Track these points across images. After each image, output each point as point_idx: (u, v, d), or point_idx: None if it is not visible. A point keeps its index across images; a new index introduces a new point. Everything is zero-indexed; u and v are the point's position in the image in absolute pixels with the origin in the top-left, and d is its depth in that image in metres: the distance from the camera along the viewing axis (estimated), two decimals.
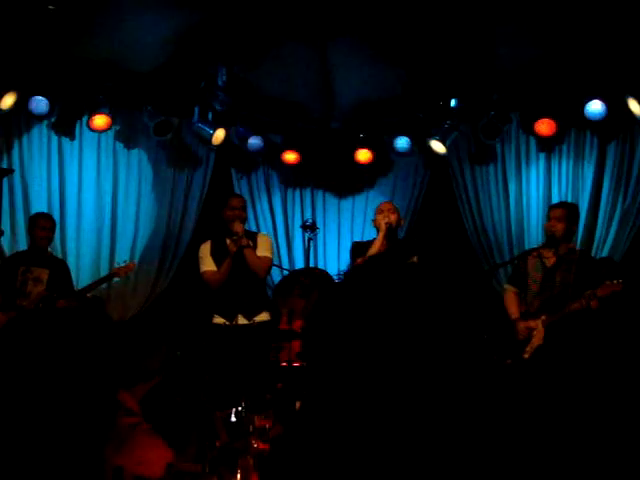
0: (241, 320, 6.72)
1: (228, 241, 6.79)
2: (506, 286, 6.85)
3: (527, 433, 1.92)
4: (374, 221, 6.92)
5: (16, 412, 2.06)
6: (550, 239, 6.44)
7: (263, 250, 6.89)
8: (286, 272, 8.74)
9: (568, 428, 2.06)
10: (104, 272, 8.39)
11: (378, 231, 6.78)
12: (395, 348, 1.70)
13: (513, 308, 6.52)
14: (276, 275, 8.73)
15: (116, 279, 7.96)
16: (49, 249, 7.54)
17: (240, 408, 3.97)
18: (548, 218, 6.54)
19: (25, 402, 2.08)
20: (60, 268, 7.42)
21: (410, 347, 1.73)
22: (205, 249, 6.90)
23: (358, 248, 6.92)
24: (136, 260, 8.61)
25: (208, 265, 6.82)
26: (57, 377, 2.15)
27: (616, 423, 2.09)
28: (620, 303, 5.89)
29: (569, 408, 2.10)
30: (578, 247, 8.23)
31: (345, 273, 2.00)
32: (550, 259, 6.47)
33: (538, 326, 6.17)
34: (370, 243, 6.81)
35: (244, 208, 7.00)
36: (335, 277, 8.46)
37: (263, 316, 6.82)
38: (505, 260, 8.28)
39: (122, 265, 7.71)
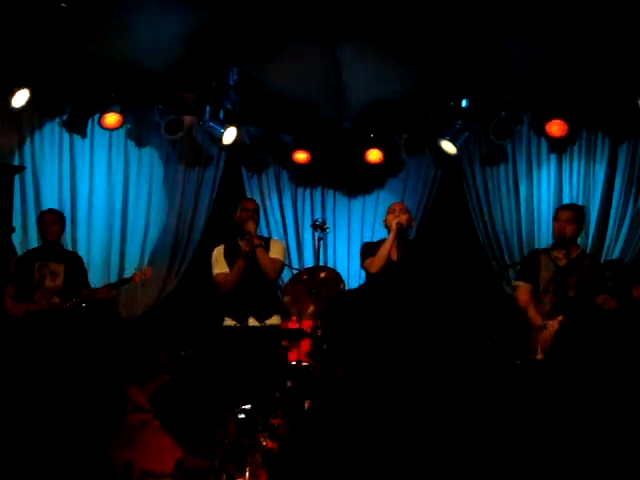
0: (252, 322, 6.72)
1: (240, 242, 6.80)
2: (518, 283, 6.64)
3: (540, 433, 1.92)
4: (385, 221, 6.90)
5: (25, 409, 2.07)
6: (561, 241, 6.41)
7: (275, 253, 6.90)
8: (296, 271, 8.74)
9: (582, 429, 2.06)
10: (114, 269, 8.42)
11: (389, 231, 6.76)
12: (408, 352, 1.70)
13: (535, 313, 6.36)
14: (286, 275, 8.73)
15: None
16: (61, 245, 7.58)
17: (249, 406, 3.98)
18: (557, 220, 6.51)
19: (34, 398, 2.09)
20: (75, 261, 7.48)
21: (422, 352, 1.73)
22: (218, 252, 6.92)
23: (368, 248, 6.90)
24: (146, 259, 8.64)
25: (221, 267, 6.83)
26: (66, 374, 2.16)
27: (628, 425, 2.08)
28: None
29: (583, 408, 2.10)
30: (589, 249, 8.23)
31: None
32: (562, 260, 6.44)
33: (555, 326, 6.11)
34: (380, 243, 6.80)
35: (257, 211, 7.01)
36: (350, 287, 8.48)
37: (274, 319, 6.82)
38: (515, 261, 8.26)
39: (142, 270, 7.71)
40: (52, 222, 7.39)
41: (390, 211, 6.89)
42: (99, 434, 2.19)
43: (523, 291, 6.54)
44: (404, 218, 6.77)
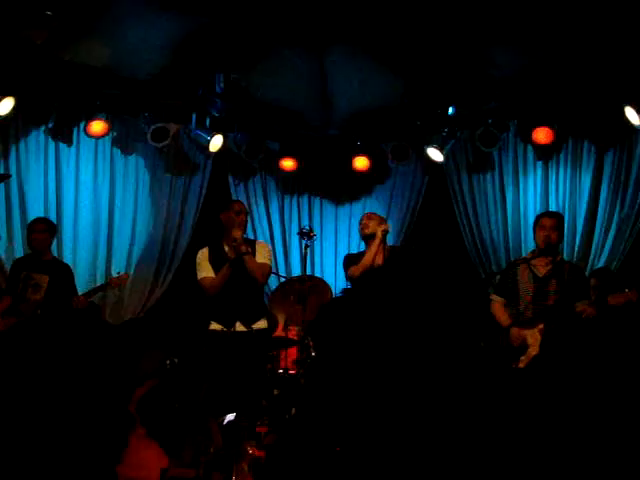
0: (239, 327, 6.70)
1: (227, 247, 6.77)
2: (493, 297, 6.74)
3: (525, 440, 1.91)
4: (365, 229, 6.92)
5: (18, 418, 2.05)
6: (547, 248, 6.42)
7: (262, 257, 6.88)
8: (283, 279, 8.73)
9: (567, 436, 2.05)
10: (101, 278, 8.37)
11: (366, 241, 6.83)
12: (394, 358, 1.69)
13: (504, 316, 6.50)
14: (273, 282, 8.71)
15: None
16: (52, 254, 7.52)
17: (235, 414, 3.95)
18: (541, 227, 6.51)
19: (26, 408, 2.07)
20: (62, 273, 7.38)
21: (409, 358, 1.72)
22: (203, 255, 6.88)
23: (351, 259, 6.94)
24: (132, 267, 8.62)
25: (206, 272, 6.79)
26: (55, 383, 2.13)
27: (615, 432, 2.08)
28: (628, 313, 5.90)
29: (568, 417, 2.09)
30: (575, 256, 8.26)
31: (346, 289, 1.99)
32: (541, 268, 6.46)
33: (535, 335, 6.15)
34: (362, 255, 6.84)
35: (244, 212, 6.99)
36: (337, 293, 8.44)
37: (261, 324, 6.80)
38: (502, 268, 8.28)
39: (115, 276, 7.70)
40: (40, 231, 7.32)
41: (368, 218, 6.97)
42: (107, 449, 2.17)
43: (495, 304, 6.62)
44: (385, 226, 6.85)
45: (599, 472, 2.01)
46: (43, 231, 7.32)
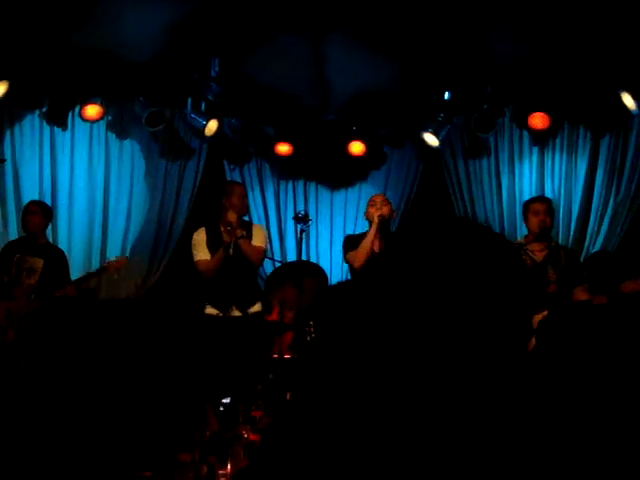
0: (235, 312, 6.70)
1: (223, 230, 6.76)
2: None
3: (525, 428, 1.91)
4: (366, 214, 6.88)
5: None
6: (542, 233, 6.41)
7: (258, 241, 6.87)
8: (278, 264, 8.72)
9: (565, 426, 2.05)
10: (95, 263, 8.36)
11: (370, 224, 6.74)
12: (393, 346, 1.69)
13: None
14: (268, 267, 8.71)
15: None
16: (47, 238, 7.50)
17: (231, 398, 3.96)
18: (535, 213, 6.49)
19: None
20: (56, 257, 7.35)
21: (408, 346, 1.72)
22: (199, 237, 6.87)
23: (350, 242, 6.89)
24: (127, 251, 8.61)
25: (202, 254, 6.78)
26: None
27: (613, 423, 2.08)
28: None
29: (565, 406, 2.10)
30: (570, 242, 8.26)
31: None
32: (538, 253, 6.44)
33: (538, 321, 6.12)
34: (362, 236, 6.78)
35: (244, 196, 7.00)
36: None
37: (257, 307, 6.81)
38: None
39: (113, 260, 7.61)
40: (32, 213, 7.29)
41: (371, 203, 6.87)
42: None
43: None
44: (385, 210, 6.74)
45: (597, 466, 2.01)
46: (37, 213, 7.29)
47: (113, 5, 6.97)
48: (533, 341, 5.94)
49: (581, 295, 6.20)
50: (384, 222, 6.69)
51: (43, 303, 6.96)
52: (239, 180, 9.16)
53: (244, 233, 6.71)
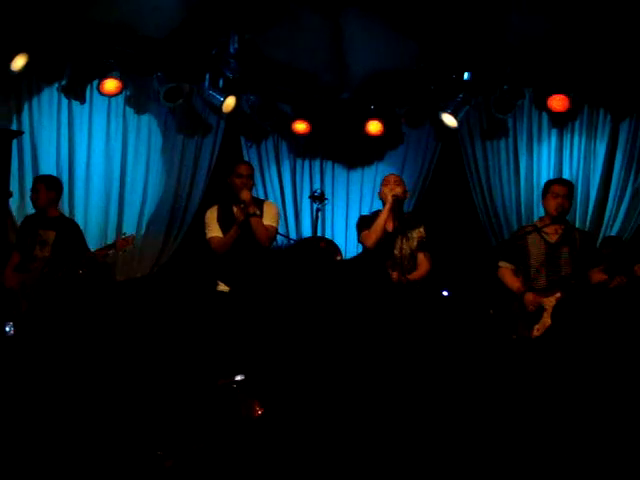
0: None
1: (235, 209, 6.76)
2: (501, 263, 6.53)
3: (533, 411, 1.91)
4: (380, 193, 6.86)
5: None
6: (559, 215, 6.37)
7: (269, 219, 6.85)
8: (292, 242, 8.72)
9: (580, 406, 2.05)
10: (111, 237, 8.38)
11: (384, 203, 6.72)
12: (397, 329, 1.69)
13: (516, 282, 6.39)
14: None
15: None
16: (60, 211, 7.52)
17: (244, 375, 3.97)
18: (554, 195, 6.44)
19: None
20: (69, 229, 7.34)
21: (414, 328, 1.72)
22: (212, 215, 6.87)
23: (364, 221, 6.86)
24: (143, 226, 8.65)
25: (215, 231, 6.79)
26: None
27: (626, 405, 2.08)
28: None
29: (578, 390, 2.09)
30: (587, 225, 8.23)
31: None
32: (552, 235, 6.40)
33: (551, 302, 6.09)
34: (376, 216, 6.76)
35: (251, 176, 6.95)
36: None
37: None
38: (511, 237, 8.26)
39: (122, 238, 7.56)
40: (35, 190, 7.29)
41: (385, 183, 6.84)
42: None
43: (505, 270, 6.52)
44: (399, 190, 6.71)
45: (604, 449, 2.01)
46: (40, 189, 7.28)
47: None
48: (548, 321, 5.93)
49: (597, 277, 6.17)
50: (397, 202, 6.66)
51: (57, 276, 7.01)
52: (255, 158, 9.16)
53: (257, 211, 6.70)
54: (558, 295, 6.10)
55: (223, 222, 6.77)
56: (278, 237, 7.72)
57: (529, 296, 6.20)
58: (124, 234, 7.61)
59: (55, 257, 7.12)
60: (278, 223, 7.03)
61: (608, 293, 5.64)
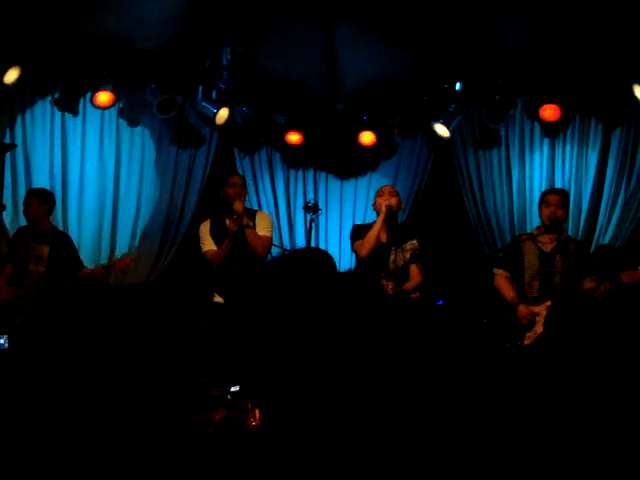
0: None
1: (228, 221, 6.78)
2: (496, 270, 6.60)
3: (527, 419, 1.92)
4: (374, 204, 6.88)
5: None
6: (552, 225, 6.40)
7: (263, 229, 6.87)
8: (287, 252, 8.72)
9: (569, 417, 2.06)
10: (105, 249, 8.40)
11: (378, 214, 6.74)
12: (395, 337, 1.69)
13: (511, 292, 6.42)
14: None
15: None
16: (53, 224, 7.52)
17: (239, 386, 3.96)
18: (547, 204, 6.48)
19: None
20: (62, 243, 7.36)
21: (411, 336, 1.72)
22: (205, 228, 6.89)
23: (358, 231, 6.89)
24: (137, 238, 8.64)
25: (208, 245, 6.81)
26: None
27: (617, 416, 2.08)
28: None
29: (570, 397, 2.10)
30: (580, 234, 8.26)
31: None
32: (547, 245, 6.43)
33: (542, 312, 6.14)
34: (370, 226, 6.79)
35: (243, 186, 6.97)
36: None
37: None
38: (507, 245, 8.27)
39: (119, 258, 7.53)
40: (28, 204, 7.30)
41: (379, 194, 6.87)
42: None
43: (500, 278, 6.55)
44: (394, 201, 6.74)
45: (603, 456, 2.02)
46: (33, 203, 7.29)
47: None
48: (539, 329, 5.95)
49: (589, 286, 6.20)
50: (391, 213, 6.69)
51: (51, 291, 7.00)
52: (249, 169, 9.17)
53: (250, 223, 6.72)
54: (549, 304, 6.14)
55: (216, 235, 6.79)
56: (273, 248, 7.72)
57: (522, 309, 6.23)
58: (122, 254, 7.60)
59: (50, 272, 7.12)
60: (272, 232, 7.05)
61: (596, 300, 5.67)
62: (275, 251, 8.46)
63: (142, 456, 3.03)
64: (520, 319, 6.21)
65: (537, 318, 6.14)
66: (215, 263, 6.76)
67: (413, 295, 6.66)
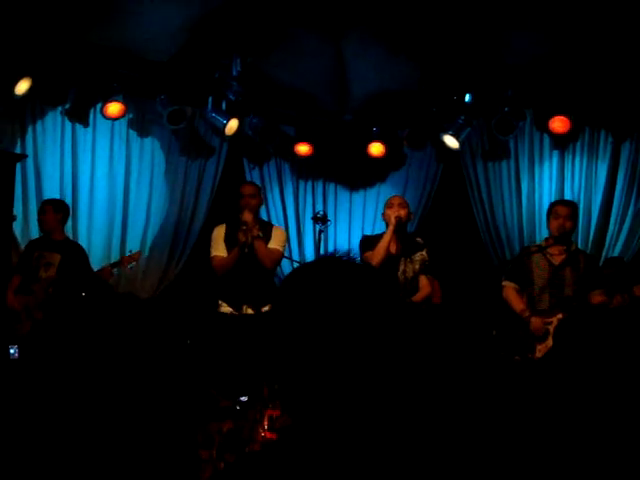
0: (247, 310, 6.71)
1: (239, 230, 6.78)
2: (505, 282, 6.60)
3: (536, 432, 1.91)
4: (384, 215, 6.88)
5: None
6: (562, 236, 6.39)
7: (275, 243, 6.87)
8: (296, 264, 8.73)
9: (579, 430, 2.05)
10: (115, 259, 8.41)
11: (387, 225, 6.74)
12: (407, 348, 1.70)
13: (521, 304, 6.41)
14: (286, 267, 8.71)
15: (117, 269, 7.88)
16: (66, 234, 7.57)
17: (247, 397, 3.97)
18: (555, 216, 6.47)
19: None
20: (74, 252, 7.41)
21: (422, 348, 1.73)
22: (219, 233, 6.89)
23: (367, 242, 6.88)
24: (147, 249, 8.65)
25: (218, 250, 6.81)
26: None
27: (628, 426, 2.08)
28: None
29: (581, 410, 2.09)
30: (589, 246, 8.23)
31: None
32: (556, 257, 6.43)
33: (555, 324, 6.11)
34: (379, 237, 6.79)
35: (253, 196, 6.96)
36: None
37: (270, 307, 6.81)
38: (516, 257, 8.26)
39: (128, 255, 7.70)
40: (43, 212, 7.37)
41: (389, 205, 6.87)
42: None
43: (509, 290, 6.53)
44: (403, 212, 6.74)
45: (611, 462, 2.01)
46: (49, 211, 7.37)
47: (135, 3, 7.00)
48: (550, 343, 5.93)
49: (597, 299, 6.19)
50: (401, 224, 6.69)
51: (60, 297, 7.04)
52: (258, 180, 9.18)
53: (260, 234, 6.72)
54: (560, 316, 6.12)
55: (228, 241, 6.79)
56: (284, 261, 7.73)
57: (536, 321, 6.21)
58: (130, 251, 7.70)
59: (60, 279, 7.16)
60: (284, 247, 7.05)
61: (609, 313, 5.64)
62: (286, 264, 8.50)
63: (150, 465, 3.03)
64: (534, 331, 6.19)
65: (549, 330, 6.12)
66: (220, 270, 6.76)
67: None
